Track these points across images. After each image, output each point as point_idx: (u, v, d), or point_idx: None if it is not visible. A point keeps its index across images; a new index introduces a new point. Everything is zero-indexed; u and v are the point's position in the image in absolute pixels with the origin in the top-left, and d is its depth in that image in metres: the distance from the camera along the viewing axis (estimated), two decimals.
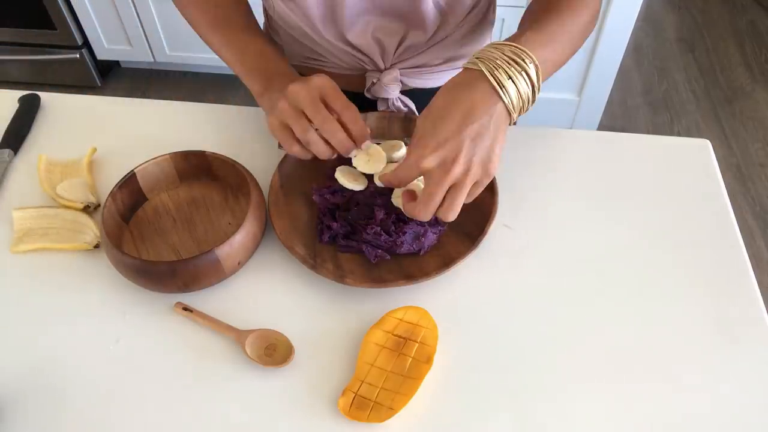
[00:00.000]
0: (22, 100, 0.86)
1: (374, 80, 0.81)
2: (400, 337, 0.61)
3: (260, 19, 0.78)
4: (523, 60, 0.54)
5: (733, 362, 0.61)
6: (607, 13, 1.75)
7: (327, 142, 0.62)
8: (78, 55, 2.19)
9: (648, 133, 2.09)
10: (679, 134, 2.11)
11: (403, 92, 0.83)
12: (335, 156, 0.64)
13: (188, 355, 0.62)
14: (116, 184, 0.69)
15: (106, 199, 0.68)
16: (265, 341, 0.62)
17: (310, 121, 0.61)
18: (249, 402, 0.59)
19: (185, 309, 0.64)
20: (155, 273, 0.63)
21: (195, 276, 0.63)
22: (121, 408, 0.58)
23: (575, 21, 0.62)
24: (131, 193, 0.72)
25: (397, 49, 0.78)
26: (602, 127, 2.10)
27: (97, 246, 0.70)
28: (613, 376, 0.60)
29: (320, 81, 0.61)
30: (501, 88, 0.53)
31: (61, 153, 0.80)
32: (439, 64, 0.83)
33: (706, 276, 0.67)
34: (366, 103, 0.84)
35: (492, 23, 0.84)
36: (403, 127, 0.79)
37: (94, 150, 0.79)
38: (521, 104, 0.55)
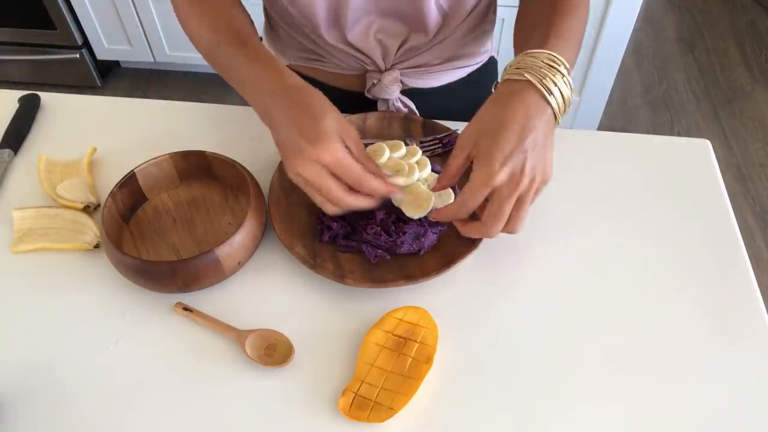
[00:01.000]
0: (22, 100, 0.86)
1: (375, 81, 0.81)
2: (400, 337, 0.61)
3: (258, 20, 0.78)
4: (560, 65, 0.55)
5: (732, 362, 0.61)
6: (607, 13, 1.75)
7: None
8: (78, 55, 2.19)
9: (648, 133, 2.09)
10: (679, 134, 2.11)
11: (402, 92, 0.83)
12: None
13: (188, 355, 0.62)
14: (116, 184, 0.69)
15: (106, 199, 0.68)
16: (265, 341, 0.62)
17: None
18: (249, 402, 0.59)
19: (185, 309, 0.64)
20: (155, 273, 0.63)
21: (195, 276, 0.63)
22: (121, 408, 0.58)
23: (580, 20, 0.63)
24: (131, 193, 0.72)
25: (398, 50, 0.78)
26: (602, 127, 2.10)
27: (97, 246, 0.70)
28: (613, 375, 0.60)
29: (327, 157, 0.56)
30: (549, 95, 0.54)
31: (61, 153, 0.80)
32: (439, 63, 0.83)
33: (706, 276, 0.67)
34: (366, 103, 0.84)
35: (493, 23, 0.84)
36: (403, 127, 0.79)
37: (94, 150, 0.79)
38: (564, 107, 0.56)
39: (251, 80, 0.64)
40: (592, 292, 0.66)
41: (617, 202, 0.74)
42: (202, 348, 0.62)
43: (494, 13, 0.83)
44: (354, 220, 0.69)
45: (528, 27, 0.66)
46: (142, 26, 2.10)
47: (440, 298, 0.65)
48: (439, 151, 0.77)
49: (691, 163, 0.79)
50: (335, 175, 0.57)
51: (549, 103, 0.54)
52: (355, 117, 0.78)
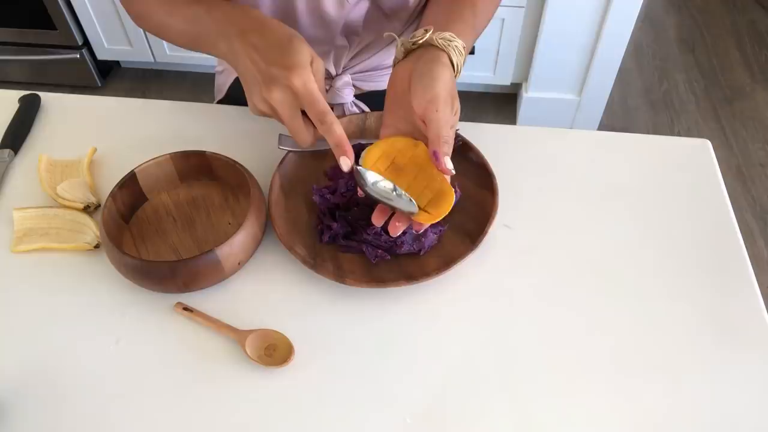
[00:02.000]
0: (22, 100, 0.86)
1: (327, 87, 0.82)
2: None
3: None
4: (457, 41, 0.65)
5: (733, 362, 0.61)
6: (607, 13, 1.75)
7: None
8: (78, 55, 2.18)
9: (648, 133, 2.09)
10: (679, 134, 2.11)
11: (359, 96, 0.84)
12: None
13: (188, 355, 0.62)
14: (116, 184, 0.69)
15: (106, 199, 0.68)
16: (265, 341, 0.62)
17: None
18: (249, 402, 0.59)
19: (185, 309, 0.64)
20: (155, 273, 0.63)
21: (195, 276, 0.63)
22: (121, 408, 0.58)
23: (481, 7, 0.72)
24: (131, 193, 0.72)
25: (346, 56, 0.81)
26: (602, 127, 2.10)
27: (97, 246, 0.70)
28: (613, 375, 0.60)
29: (298, 83, 0.59)
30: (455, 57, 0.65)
31: (61, 153, 0.80)
32: (390, 66, 0.84)
33: (706, 276, 0.67)
34: None
35: None
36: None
37: (95, 150, 0.79)
38: (459, 70, 0.66)
39: (218, 30, 0.65)
40: (592, 291, 0.66)
41: (617, 202, 0.74)
42: (202, 348, 0.62)
43: None
44: (354, 219, 0.69)
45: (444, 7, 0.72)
46: None
47: (440, 298, 0.65)
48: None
49: (691, 163, 0.79)
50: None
51: (454, 67, 0.65)
52: (355, 117, 0.78)
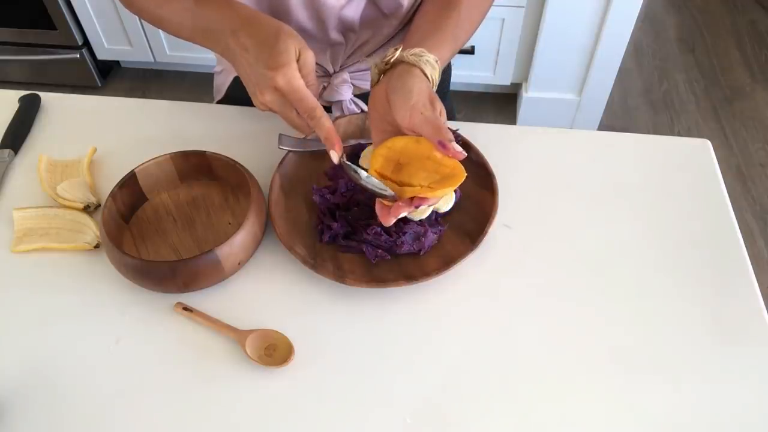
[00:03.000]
0: (22, 100, 0.86)
1: (324, 84, 0.82)
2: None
3: None
4: (429, 56, 0.65)
5: (733, 362, 0.61)
6: (607, 13, 1.74)
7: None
8: (78, 55, 2.18)
9: (648, 133, 2.09)
10: (679, 134, 2.11)
11: (356, 95, 0.85)
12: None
13: (188, 355, 0.62)
14: (116, 184, 0.69)
15: (107, 199, 0.68)
16: (265, 341, 0.62)
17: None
18: (249, 402, 0.59)
19: (185, 309, 0.64)
20: (155, 273, 0.63)
21: (195, 276, 0.63)
22: (121, 408, 0.58)
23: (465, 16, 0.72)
24: (131, 193, 0.72)
25: (344, 53, 0.81)
26: (602, 127, 2.10)
27: (97, 246, 0.70)
28: (613, 375, 0.60)
29: (281, 82, 0.60)
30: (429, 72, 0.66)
31: (61, 153, 0.80)
32: None
33: (706, 276, 0.67)
34: None
35: None
36: None
37: (95, 150, 0.79)
38: (435, 82, 0.66)
39: (210, 28, 0.66)
40: (592, 291, 0.66)
41: (617, 202, 0.74)
42: (202, 348, 0.62)
43: None
44: (354, 219, 0.69)
45: (424, 27, 0.72)
46: (142, 26, 2.10)
47: (440, 298, 0.65)
48: None
49: (691, 163, 0.79)
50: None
51: (428, 79, 0.65)
52: (355, 117, 0.78)
